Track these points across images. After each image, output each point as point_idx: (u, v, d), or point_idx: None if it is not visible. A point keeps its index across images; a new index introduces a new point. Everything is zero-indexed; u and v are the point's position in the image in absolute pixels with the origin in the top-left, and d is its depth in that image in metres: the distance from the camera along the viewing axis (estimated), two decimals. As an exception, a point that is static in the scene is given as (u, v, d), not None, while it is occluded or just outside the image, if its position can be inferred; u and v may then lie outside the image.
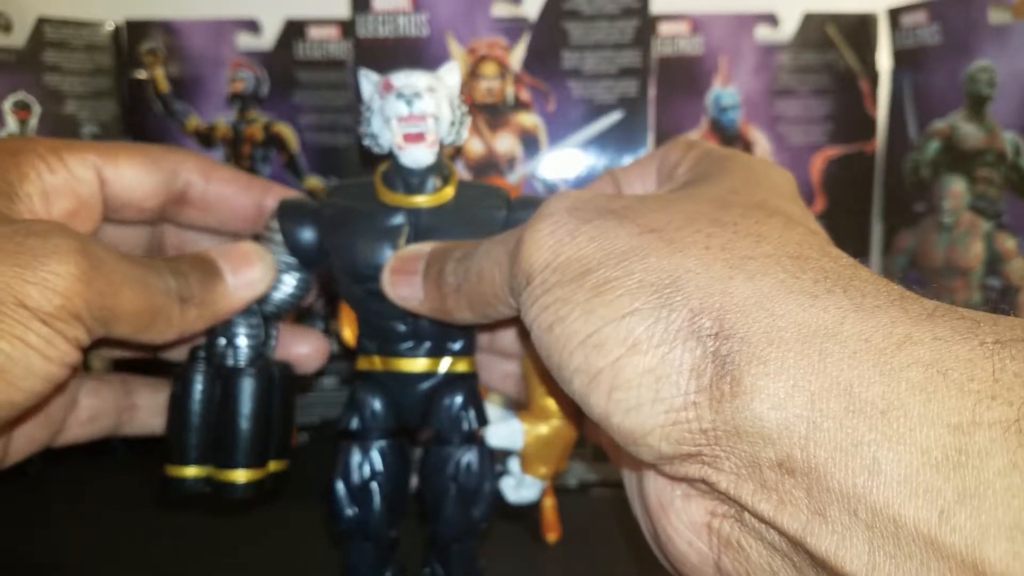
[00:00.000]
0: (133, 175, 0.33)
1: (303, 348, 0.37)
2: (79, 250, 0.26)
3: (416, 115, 0.30)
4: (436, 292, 0.29)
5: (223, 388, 0.33)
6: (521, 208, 0.33)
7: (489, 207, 0.33)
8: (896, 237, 0.68)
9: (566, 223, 0.23)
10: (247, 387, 0.32)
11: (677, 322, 0.20)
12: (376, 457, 0.34)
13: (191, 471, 0.33)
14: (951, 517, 0.16)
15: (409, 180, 0.31)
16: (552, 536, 0.51)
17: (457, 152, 0.66)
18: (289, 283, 0.35)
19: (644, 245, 0.21)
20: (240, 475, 0.32)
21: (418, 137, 0.30)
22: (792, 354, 0.18)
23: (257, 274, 0.32)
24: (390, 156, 0.32)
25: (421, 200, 0.32)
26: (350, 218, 0.32)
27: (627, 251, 0.21)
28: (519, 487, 0.35)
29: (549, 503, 0.51)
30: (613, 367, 0.20)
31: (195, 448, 0.33)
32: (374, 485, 0.33)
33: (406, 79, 0.30)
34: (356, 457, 0.34)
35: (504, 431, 0.33)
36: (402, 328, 0.33)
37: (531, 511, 0.50)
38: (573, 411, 0.35)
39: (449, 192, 0.32)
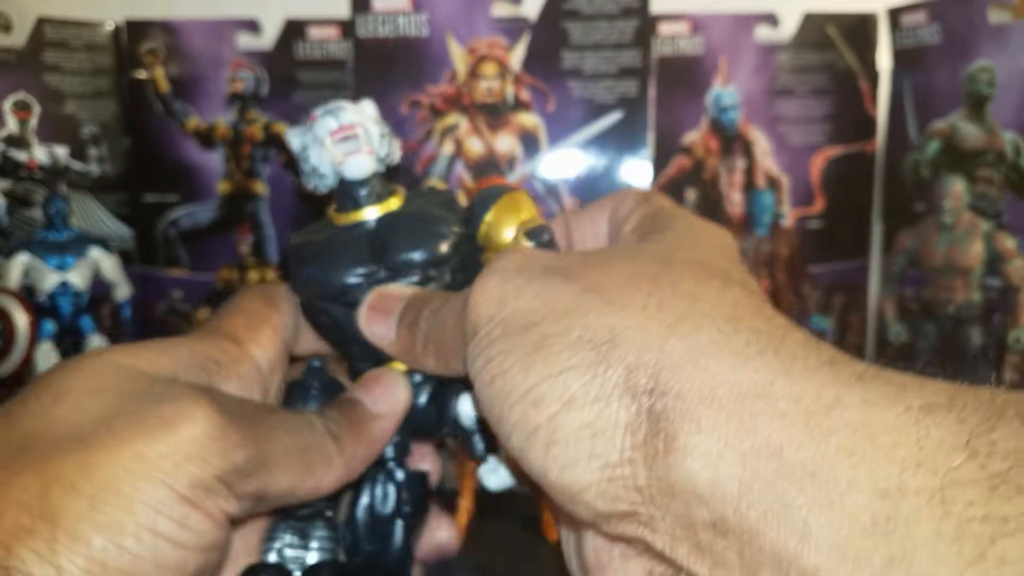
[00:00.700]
0: (294, 322, 0.32)
1: (442, 534, 0.34)
2: (210, 404, 0.24)
3: (345, 125, 0.31)
4: (408, 338, 0.29)
5: None
6: (479, 201, 0.33)
7: (439, 202, 0.33)
8: (896, 237, 0.68)
9: (514, 279, 0.24)
10: None
11: (613, 378, 0.20)
12: (400, 487, 0.33)
13: None
14: None
15: (358, 195, 0.32)
16: (553, 535, 0.51)
17: (457, 152, 0.66)
18: None
19: (586, 303, 0.22)
20: None
21: (353, 145, 0.31)
22: (724, 413, 0.19)
23: (388, 386, 0.31)
24: (336, 192, 0.33)
25: (372, 210, 0.32)
26: (312, 248, 0.32)
27: (569, 308, 0.22)
28: (496, 470, 0.34)
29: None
30: (550, 423, 0.21)
31: None
32: (398, 522, 0.33)
33: (327, 104, 0.32)
34: (379, 488, 0.33)
35: (497, 478, 0.33)
36: None
37: (533, 511, 0.50)
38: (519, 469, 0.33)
39: (396, 201, 0.33)
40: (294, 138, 0.32)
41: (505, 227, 0.30)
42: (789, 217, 0.69)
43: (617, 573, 0.23)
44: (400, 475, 0.33)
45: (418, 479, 0.33)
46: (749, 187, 0.69)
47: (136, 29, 0.67)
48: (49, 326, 0.63)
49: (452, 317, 0.26)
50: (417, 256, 0.31)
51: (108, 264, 0.66)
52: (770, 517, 0.17)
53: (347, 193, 0.32)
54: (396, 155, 0.33)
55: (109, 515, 0.21)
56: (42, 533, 0.21)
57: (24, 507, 0.21)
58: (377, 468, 0.33)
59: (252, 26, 0.67)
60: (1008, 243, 0.60)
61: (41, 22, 0.65)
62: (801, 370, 0.19)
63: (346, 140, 0.31)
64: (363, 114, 0.32)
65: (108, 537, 0.21)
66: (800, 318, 0.70)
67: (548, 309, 0.22)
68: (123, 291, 0.67)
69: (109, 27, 0.68)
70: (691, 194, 0.69)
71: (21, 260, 0.63)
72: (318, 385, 0.32)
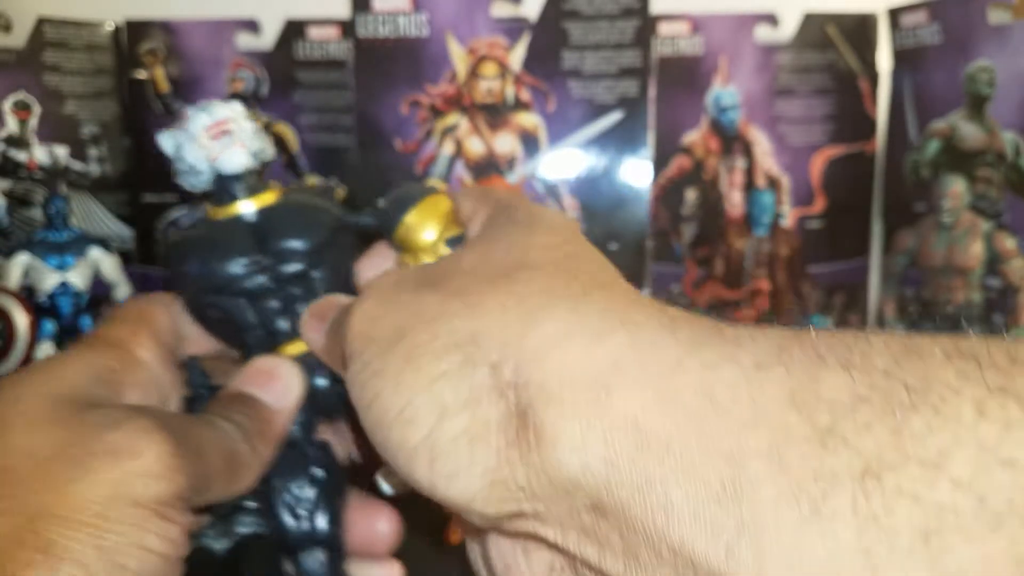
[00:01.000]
0: (175, 323, 0.33)
1: (381, 524, 0.33)
2: (162, 427, 0.24)
3: (220, 120, 0.32)
4: (333, 343, 0.29)
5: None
6: (396, 201, 0.33)
7: (317, 194, 0.34)
8: (896, 237, 0.68)
9: (388, 296, 0.24)
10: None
11: (480, 378, 0.21)
12: (307, 458, 0.33)
13: None
14: (735, 551, 0.16)
15: (234, 189, 0.33)
16: (456, 538, 0.51)
17: (457, 152, 0.66)
18: None
19: (451, 310, 0.22)
20: None
21: (227, 141, 0.32)
22: (583, 395, 0.19)
23: (284, 381, 0.31)
24: (212, 188, 0.33)
25: (248, 203, 0.33)
26: (192, 243, 0.33)
27: (435, 316, 0.22)
28: (391, 475, 0.34)
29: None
30: (427, 440, 0.21)
31: None
32: (314, 490, 0.33)
33: (198, 104, 0.33)
34: (287, 465, 0.33)
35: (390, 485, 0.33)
36: (283, 324, 0.33)
37: (438, 515, 0.50)
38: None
39: (272, 196, 0.34)
40: (167, 140, 0.33)
41: (425, 230, 0.30)
42: (789, 217, 0.69)
43: (522, 572, 0.23)
44: (308, 449, 0.33)
45: (322, 445, 0.34)
46: (749, 187, 0.69)
47: (136, 29, 0.67)
48: (49, 326, 0.64)
49: None
50: (299, 244, 0.32)
51: (108, 264, 0.66)
52: (637, 494, 0.18)
53: (223, 188, 0.33)
54: (269, 152, 0.33)
55: (104, 539, 0.22)
56: (44, 563, 0.21)
57: (18, 543, 0.21)
58: (284, 451, 0.32)
59: (252, 26, 0.67)
60: (1008, 243, 0.60)
61: (41, 22, 0.65)
62: (646, 337, 0.20)
63: (220, 136, 0.32)
64: (235, 111, 0.33)
65: (109, 560, 0.22)
66: (800, 318, 0.70)
67: (416, 318, 0.23)
68: (123, 291, 0.67)
69: (109, 27, 0.68)
70: (691, 194, 0.69)
71: (21, 260, 0.63)
72: (203, 384, 0.32)
